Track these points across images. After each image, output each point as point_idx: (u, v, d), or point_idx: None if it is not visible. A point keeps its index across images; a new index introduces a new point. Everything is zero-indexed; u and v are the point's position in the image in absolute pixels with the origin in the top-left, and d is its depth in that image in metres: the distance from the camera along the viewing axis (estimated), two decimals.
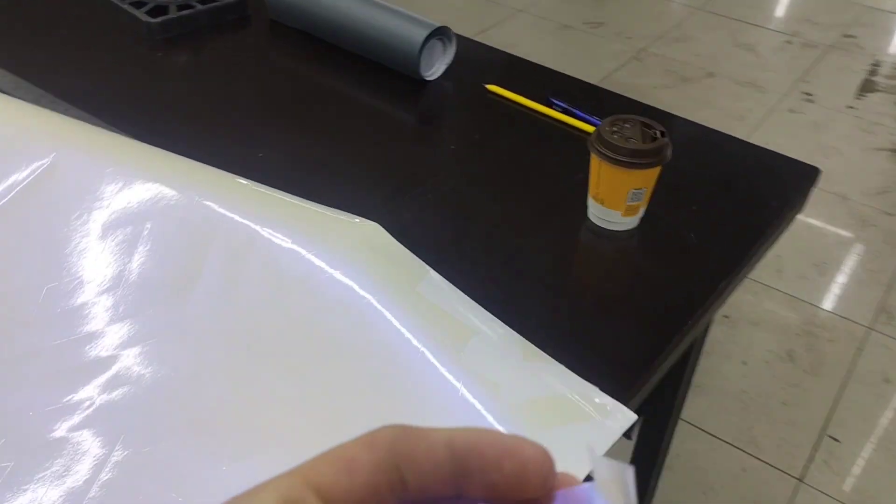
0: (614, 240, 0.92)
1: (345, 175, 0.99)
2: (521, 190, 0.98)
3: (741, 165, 1.05)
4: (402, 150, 1.05)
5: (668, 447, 1.38)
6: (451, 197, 0.96)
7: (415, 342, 0.71)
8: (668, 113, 1.13)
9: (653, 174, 0.89)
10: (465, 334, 0.74)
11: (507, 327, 0.77)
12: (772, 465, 1.82)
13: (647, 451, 1.35)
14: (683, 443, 1.85)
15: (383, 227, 0.82)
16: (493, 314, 0.78)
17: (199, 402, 0.70)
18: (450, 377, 0.68)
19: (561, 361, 0.74)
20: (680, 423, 1.88)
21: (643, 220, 0.94)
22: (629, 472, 0.25)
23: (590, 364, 0.74)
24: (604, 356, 0.76)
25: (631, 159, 0.85)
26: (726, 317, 2.18)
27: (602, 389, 0.71)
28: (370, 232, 0.83)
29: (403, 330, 0.71)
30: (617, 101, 1.17)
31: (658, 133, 0.87)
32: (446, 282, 0.80)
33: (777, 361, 2.07)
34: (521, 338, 0.76)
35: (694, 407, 1.94)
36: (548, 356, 0.74)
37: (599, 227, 0.94)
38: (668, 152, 0.87)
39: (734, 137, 1.10)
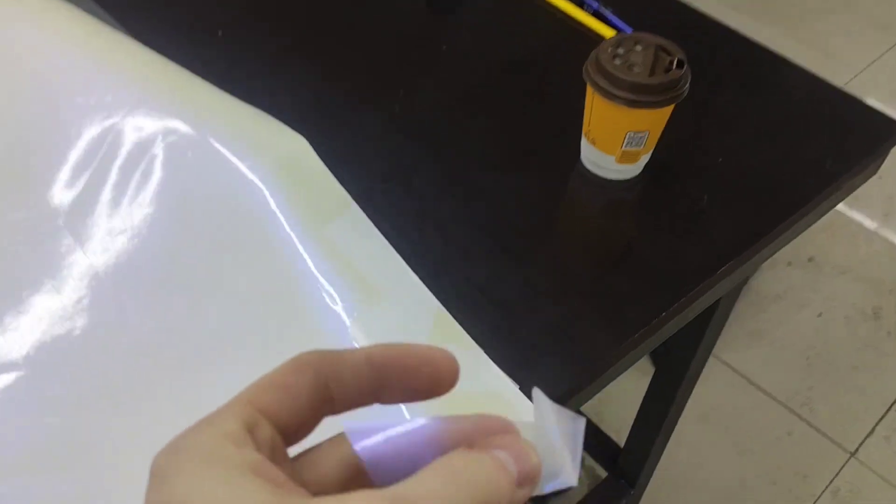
0: (606, 190, 0.75)
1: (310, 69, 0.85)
2: (514, 110, 0.81)
3: (801, 108, 0.83)
4: (396, 43, 0.89)
5: (686, 396, 1.21)
6: (427, 108, 0.81)
7: (324, 284, 0.62)
8: (720, 26, 0.90)
9: (658, 116, 0.70)
10: (369, 294, 0.62)
11: (423, 287, 0.63)
12: (823, 434, 1.63)
13: (660, 401, 1.20)
14: (727, 395, 1.68)
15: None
16: (450, 252, 0.65)
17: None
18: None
19: (519, 323, 0.62)
20: (729, 372, 1.71)
21: (649, 167, 0.76)
22: (580, 423, 0.27)
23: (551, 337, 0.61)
24: (566, 335, 0.62)
25: (630, 95, 0.66)
26: (810, 259, 1.93)
27: (564, 374, 0.58)
28: (297, 148, 0.69)
29: (312, 267, 0.62)
30: (675, 12, 0.95)
31: (674, 62, 0.67)
32: (367, 222, 0.67)
33: (859, 318, 1.83)
34: (436, 304, 0.62)
35: (749, 358, 1.75)
36: (463, 331, 0.61)
37: (591, 172, 0.76)
38: (684, 88, 0.68)
39: (802, 69, 0.87)
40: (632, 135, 0.70)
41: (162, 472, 0.24)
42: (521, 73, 0.85)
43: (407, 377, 0.28)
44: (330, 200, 0.68)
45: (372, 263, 0.64)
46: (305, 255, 0.63)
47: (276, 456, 0.26)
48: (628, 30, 0.88)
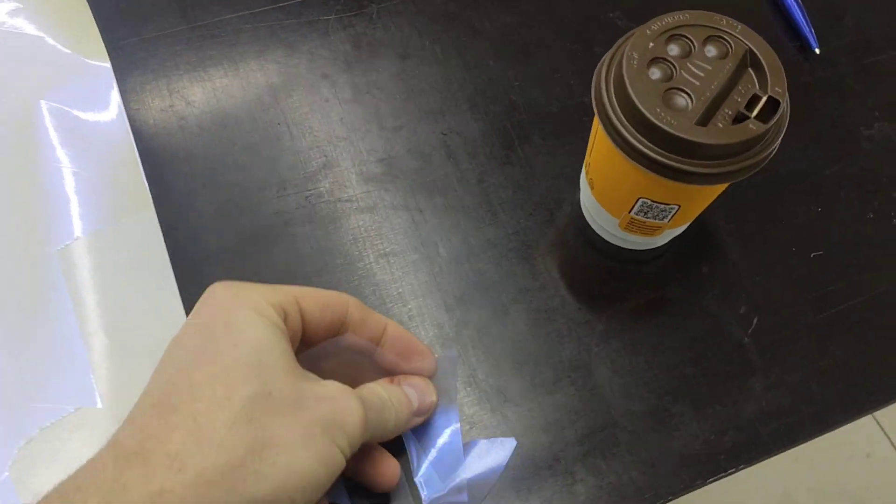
0: (609, 256, 0.45)
1: None
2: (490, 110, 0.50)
3: None
4: None
5: None
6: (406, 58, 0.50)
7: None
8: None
9: (706, 193, 0.39)
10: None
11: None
12: None
13: None
14: None
15: None
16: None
17: None
18: None
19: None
20: None
21: (682, 242, 0.45)
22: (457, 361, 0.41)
23: None
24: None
25: (652, 152, 0.34)
26: None
27: None
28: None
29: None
30: None
31: (760, 104, 0.34)
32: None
33: None
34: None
35: None
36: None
37: (592, 227, 0.46)
38: (763, 154, 0.35)
39: None
40: (648, 203, 0.39)
41: (215, 299, 0.33)
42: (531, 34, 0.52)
43: (400, 355, 0.38)
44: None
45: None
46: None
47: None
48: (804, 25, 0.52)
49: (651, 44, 0.35)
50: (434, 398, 0.39)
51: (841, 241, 0.46)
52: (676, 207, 0.38)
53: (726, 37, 0.35)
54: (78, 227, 0.42)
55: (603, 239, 0.45)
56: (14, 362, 0.39)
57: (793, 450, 0.41)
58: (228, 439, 0.28)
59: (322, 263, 0.44)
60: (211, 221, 0.44)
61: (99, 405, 0.38)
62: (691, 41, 0.35)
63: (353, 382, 0.35)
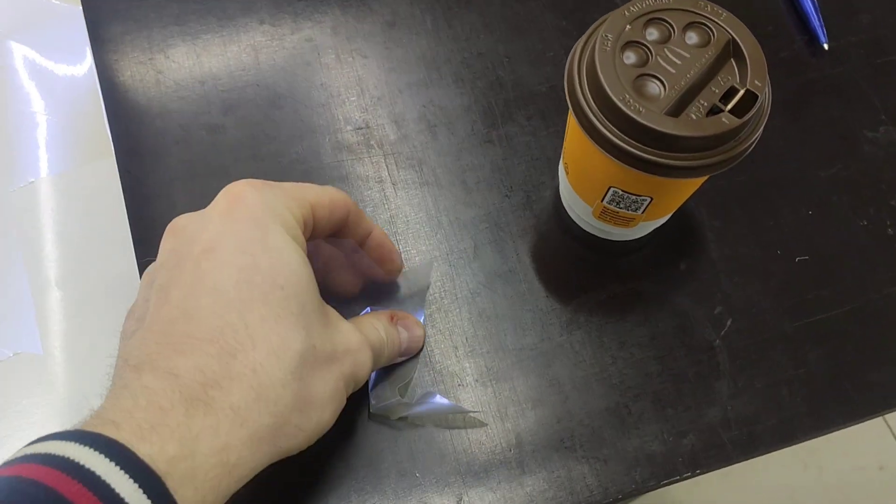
0: (585, 245, 0.44)
1: None
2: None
3: None
4: None
5: None
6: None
7: None
8: None
9: (680, 186, 0.37)
10: None
11: None
12: None
13: None
14: None
15: None
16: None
17: None
18: None
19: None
20: None
21: (661, 235, 0.43)
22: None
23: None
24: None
25: (622, 142, 0.33)
26: None
27: None
28: None
29: None
30: None
31: (737, 97, 0.33)
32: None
33: None
34: None
35: None
36: None
37: (569, 213, 0.45)
38: (741, 148, 0.34)
39: None
40: (619, 193, 0.38)
41: (246, 206, 0.32)
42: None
43: (377, 259, 0.39)
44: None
45: None
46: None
47: None
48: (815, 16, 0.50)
49: (628, 26, 0.33)
50: (419, 345, 0.41)
51: (828, 247, 0.44)
52: (649, 199, 0.37)
53: (709, 24, 0.34)
54: (43, 169, 0.42)
55: (580, 227, 0.44)
56: None
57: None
58: (282, 398, 0.30)
59: None
60: (179, 181, 0.44)
61: (40, 352, 0.38)
62: (671, 26, 0.34)
63: (326, 278, 0.38)
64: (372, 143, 0.45)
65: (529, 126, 0.46)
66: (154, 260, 0.34)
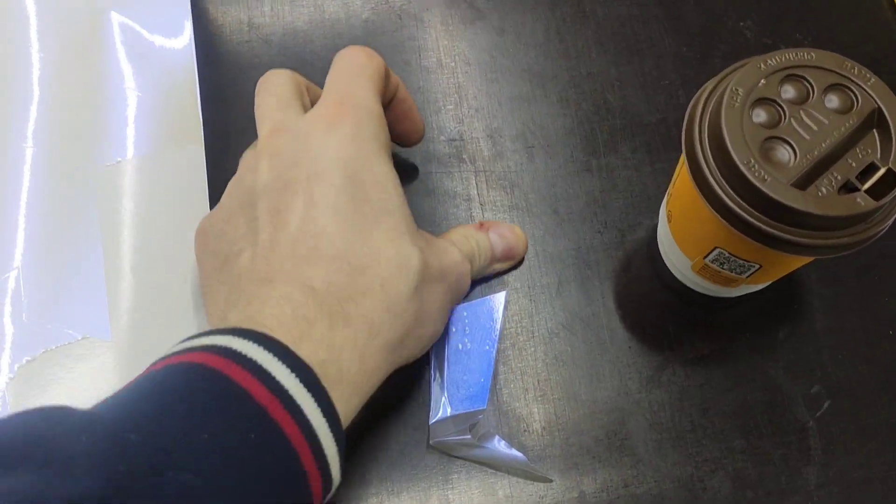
0: (677, 295, 0.42)
1: None
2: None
3: None
4: None
5: None
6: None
7: None
8: None
9: (791, 258, 0.35)
10: None
11: None
12: None
13: None
14: None
15: None
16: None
17: None
18: None
19: None
20: None
21: (762, 295, 0.41)
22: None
23: None
24: None
25: (739, 209, 0.30)
26: None
27: None
28: None
29: None
30: None
31: (877, 176, 0.30)
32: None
33: None
34: None
35: None
36: None
37: (664, 260, 0.42)
38: (871, 232, 0.31)
39: None
40: (725, 255, 0.35)
41: (340, 113, 0.34)
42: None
43: (397, 116, 0.39)
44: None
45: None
46: None
47: None
48: None
49: (762, 81, 0.31)
50: (520, 250, 0.42)
51: None
52: (757, 266, 0.35)
53: (854, 88, 0.31)
54: (130, 149, 0.42)
55: (673, 276, 0.42)
56: (35, 273, 0.39)
57: None
58: (406, 311, 0.32)
59: None
60: None
61: (108, 337, 0.38)
62: (811, 85, 0.31)
63: None
64: (464, 157, 0.44)
65: (633, 159, 0.44)
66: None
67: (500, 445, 0.38)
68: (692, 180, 0.32)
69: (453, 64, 0.46)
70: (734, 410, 0.39)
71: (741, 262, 0.35)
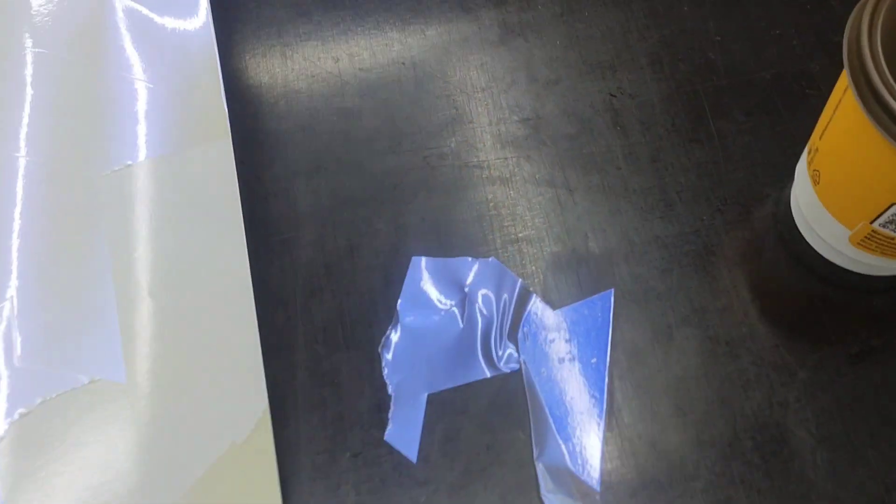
0: (823, 278, 0.35)
1: None
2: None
3: None
4: None
5: None
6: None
7: None
8: None
9: None
10: None
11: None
12: None
13: None
14: None
15: None
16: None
17: None
18: None
19: None
20: None
21: None
22: None
23: None
24: None
25: None
26: None
27: None
28: None
29: None
30: None
31: None
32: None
33: None
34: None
35: None
36: None
37: (804, 236, 0.35)
38: None
39: None
40: None
41: None
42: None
43: None
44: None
45: None
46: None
47: None
48: None
49: None
50: None
51: None
52: None
53: None
54: (142, 150, 0.36)
55: (818, 255, 0.35)
56: (31, 305, 0.33)
57: None
58: None
59: (434, 241, 0.36)
60: (303, 173, 0.37)
61: (123, 380, 0.32)
62: None
63: None
64: (543, 137, 0.38)
65: (749, 122, 0.37)
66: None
67: None
68: (864, 109, 0.25)
69: (520, 34, 0.40)
70: None
71: None
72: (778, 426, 0.32)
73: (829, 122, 0.30)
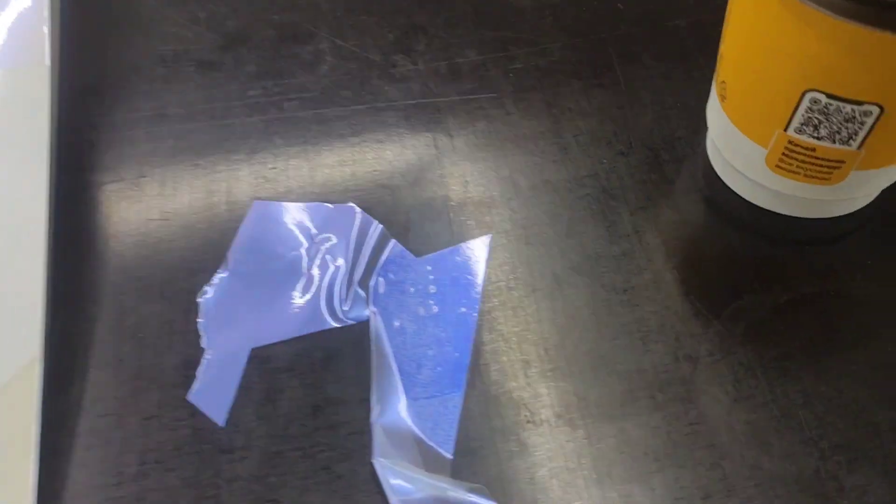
0: (745, 225, 0.29)
1: None
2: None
3: None
4: None
5: None
6: None
7: None
8: None
9: None
10: None
11: None
12: None
13: None
14: None
15: None
16: None
17: None
18: None
19: None
20: None
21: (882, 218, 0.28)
22: None
23: None
24: None
25: None
26: None
27: None
28: None
29: None
30: None
31: None
32: None
33: None
34: None
35: None
36: None
37: (720, 176, 0.30)
38: None
39: None
40: (822, 102, 0.23)
41: None
42: None
43: None
44: None
45: None
46: None
47: None
48: None
49: None
50: None
51: None
52: (877, 110, 0.22)
53: None
54: None
55: (738, 198, 0.29)
56: None
57: None
58: None
59: (295, 189, 0.30)
60: (144, 123, 0.32)
61: None
62: None
63: None
64: (426, 82, 0.33)
65: (660, 68, 0.33)
66: None
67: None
68: None
69: None
70: (869, 370, 0.25)
71: (848, 106, 0.22)
72: (686, 383, 0.25)
73: (729, 17, 0.25)
